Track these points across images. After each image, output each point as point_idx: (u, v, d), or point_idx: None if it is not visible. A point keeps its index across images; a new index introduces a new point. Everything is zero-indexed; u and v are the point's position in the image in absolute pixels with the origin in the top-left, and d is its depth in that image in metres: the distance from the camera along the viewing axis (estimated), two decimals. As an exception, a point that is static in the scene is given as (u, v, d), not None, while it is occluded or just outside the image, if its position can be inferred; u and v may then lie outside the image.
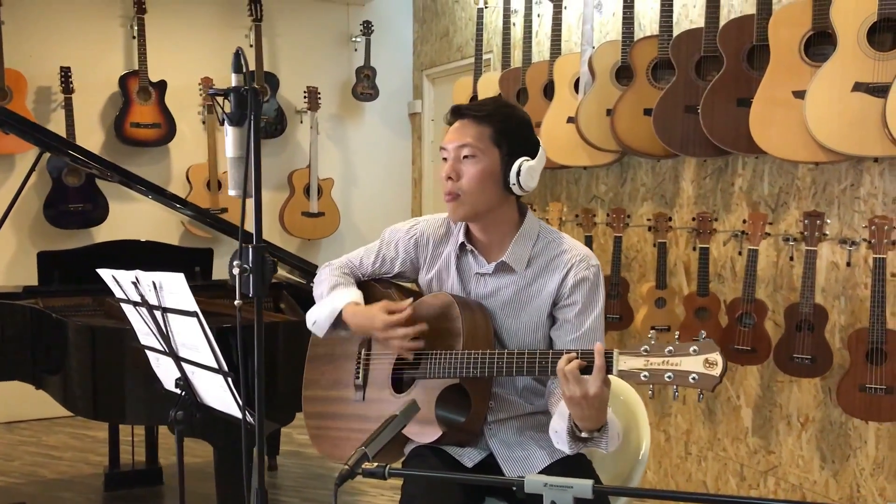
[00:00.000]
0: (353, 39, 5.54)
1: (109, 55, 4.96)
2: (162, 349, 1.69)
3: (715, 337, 3.07)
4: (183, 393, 1.68)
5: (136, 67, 4.86)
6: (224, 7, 5.22)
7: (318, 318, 2.00)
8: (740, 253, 3.21)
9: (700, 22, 3.30)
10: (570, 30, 4.06)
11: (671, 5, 3.20)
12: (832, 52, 2.57)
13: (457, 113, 1.91)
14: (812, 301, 2.70)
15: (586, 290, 1.87)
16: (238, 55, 1.43)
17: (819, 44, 2.63)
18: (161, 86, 4.90)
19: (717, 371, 1.49)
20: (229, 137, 1.45)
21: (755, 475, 3.20)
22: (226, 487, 2.77)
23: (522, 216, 1.96)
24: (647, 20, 3.60)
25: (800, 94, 2.61)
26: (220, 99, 1.42)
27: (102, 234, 4.87)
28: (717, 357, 1.49)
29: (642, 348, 1.54)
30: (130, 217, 4.95)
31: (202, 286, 3.70)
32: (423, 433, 1.80)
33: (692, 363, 1.50)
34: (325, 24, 5.51)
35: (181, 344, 1.62)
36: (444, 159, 1.92)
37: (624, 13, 3.41)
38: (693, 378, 1.50)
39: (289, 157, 5.42)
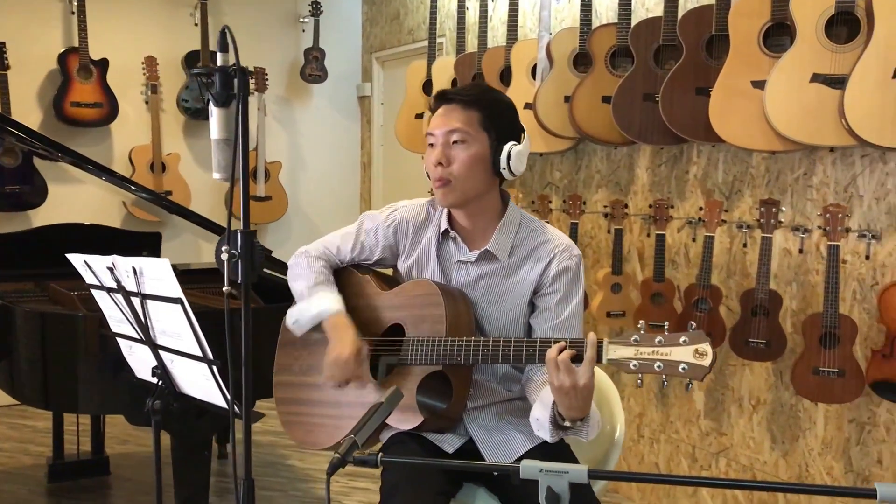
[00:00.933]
0: (301, 20, 5.45)
1: (47, 31, 4.76)
2: (138, 337, 1.64)
3: (671, 321, 3.13)
4: (160, 382, 1.63)
5: (76, 44, 4.68)
6: (168, -16, 5.07)
7: (300, 319, 1.98)
8: (694, 239, 3.27)
9: (656, 11, 3.35)
10: (525, 16, 4.06)
11: (630, -7, 3.23)
12: (789, 43, 2.63)
13: (443, 98, 1.90)
14: (767, 287, 2.77)
15: (568, 280, 1.88)
16: (224, 33, 1.39)
17: (777, 35, 2.68)
18: (103, 64, 4.73)
19: (706, 361, 1.51)
20: (214, 119, 1.40)
21: (707, 456, 3.28)
22: (183, 476, 2.72)
23: (505, 204, 1.96)
24: (604, 8, 3.62)
25: (758, 84, 2.66)
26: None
27: (40, 217, 4.69)
28: (706, 347, 1.52)
29: (632, 338, 1.56)
30: (70, 199, 4.79)
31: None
32: (404, 420, 1.79)
33: (682, 353, 1.52)
34: (272, 4, 5.41)
35: (161, 331, 1.57)
36: (431, 145, 1.90)
37: (582, 0, 3.42)
38: (683, 368, 1.52)
39: (235, 139, 5.30)
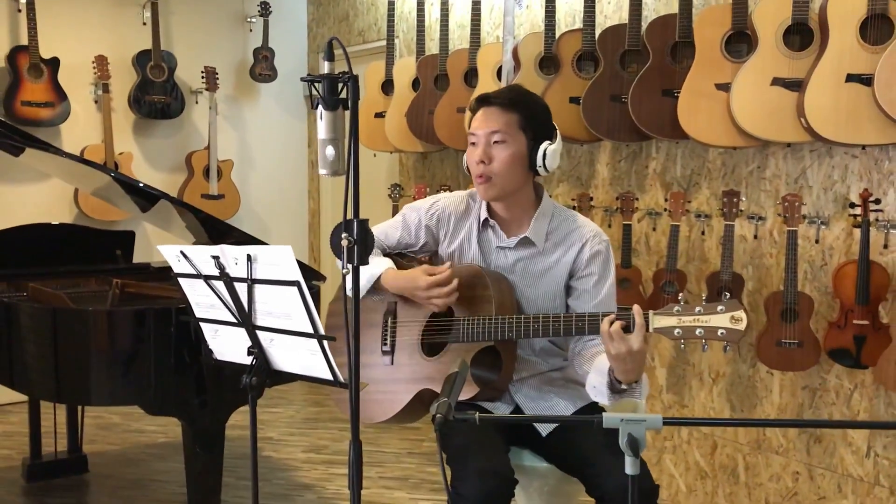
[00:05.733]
0: (249, 20, 5.51)
1: (-7, 29, 4.70)
2: (234, 321, 1.75)
3: (641, 304, 3.39)
4: (255, 361, 1.76)
5: (24, 42, 4.63)
6: (117, -18, 5.06)
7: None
8: (654, 229, 3.55)
9: (614, 18, 3.63)
10: (483, 20, 4.27)
11: (593, 3, 3.48)
12: (747, 49, 2.93)
13: (484, 100, 2.09)
14: (731, 270, 3.07)
15: (601, 262, 2.11)
16: (331, 44, 1.54)
17: (737, 42, 2.98)
18: (53, 63, 4.69)
19: (742, 325, 1.75)
20: (322, 121, 1.55)
21: (669, 428, 3.57)
22: (196, 465, 2.81)
23: (539, 195, 2.16)
24: (562, 14, 3.87)
25: (722, 87, 2.95)
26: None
27: (-11, 218, 4.62)
28: (741, 314, 1.76)
29: (675, 309, 1.79)
30: (19, 200, 4.73)
31: (127, 269, 3.65)
32: (461, 391, 1.97)
33: (720, 320, 1.76)
34: (219, 4, 5.45)
35: (267, 313, 1.69)
36: (473, 144, 2.08)
37: (546, 6, 3.66)
38: (721, 332, 1.75)
39: (185, 138, 5.33)
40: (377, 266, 2.15)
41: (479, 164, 2.06)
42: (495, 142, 2.06)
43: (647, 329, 1.82)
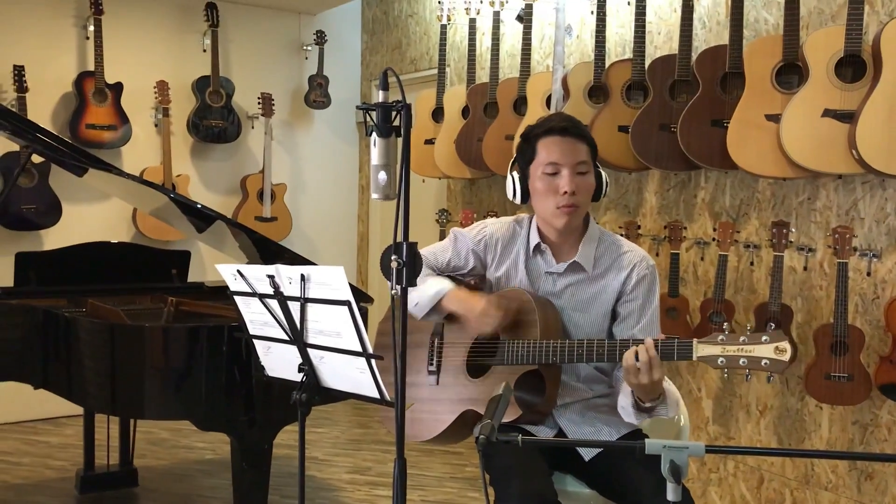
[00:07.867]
0: (305, 48, 5.65)
1: (62, 55, 4.89)
2: (286, 338, 1.81)
3: (687, 334, 3.39)
4: (304, 378, 1.81)
5: (90, 68, 4.82)
6: (180, 11, 5.23)
7: (420, 300, 2.18)
8: (702, 258, 3.54)
9: (664, 48, 3.65)
10: (533, 49, 4.33)
11: (643, 33, 3.51)
12: (797, 81, 2.93)
13: (562, 130, 2.12)
14: (779, 301, 3.04)
15: (646, 286, 2.13)
16: (385, 74, 1.60)
17: (787, 73, 2.98)
18: (117, 88, 4.87)
19: (786, 356, 1.75)
20: (376, 147, 1.61)
21: (715, 460, 3.54)
22: (243, 482, 2.86)
23: (586, 221, 2.19)
24: (612, 43, 3.91)
25: (772, 118, 2.95)
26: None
27: (52, 236, 4.79)
28: (786, 345, 1.76)
29: (719, 338, 1.80)
30: (82, 219, 4.90)
31: (181, 288, 3.75)
32: (505, 413, 2.00)
33: (764, 350, 1.76)
34: (277, 32, 5.60)
35: (317, 331, 1.74)
36: (553, 174, 2.11)
37: (596, 36, 3.70)
38: (765, 363, 1.76)
39: (241, 161, 5.47)
40: (442, 284, 2.19)
41: (569, 194, 2.08)
42: (579, 172, 2.11)
43: (690, 358, 1.83)
